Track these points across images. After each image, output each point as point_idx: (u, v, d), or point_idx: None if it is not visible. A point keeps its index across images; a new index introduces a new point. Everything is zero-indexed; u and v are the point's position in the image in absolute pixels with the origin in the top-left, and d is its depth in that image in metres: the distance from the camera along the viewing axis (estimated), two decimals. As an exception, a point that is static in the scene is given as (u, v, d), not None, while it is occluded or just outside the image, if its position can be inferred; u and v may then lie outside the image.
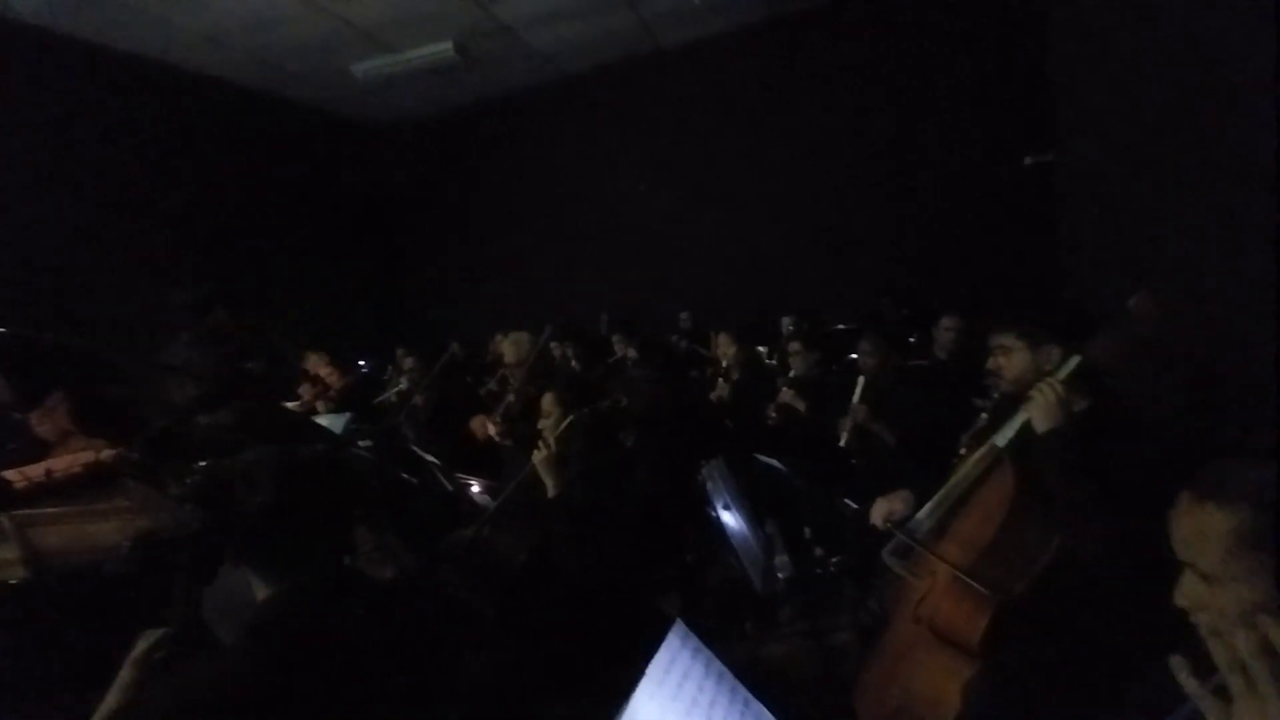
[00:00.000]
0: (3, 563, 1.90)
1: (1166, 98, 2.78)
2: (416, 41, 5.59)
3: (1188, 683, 0.65)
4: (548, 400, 2.09)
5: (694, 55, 6.50)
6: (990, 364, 1.80)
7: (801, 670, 2.47)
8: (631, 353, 4.29)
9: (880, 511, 1.86)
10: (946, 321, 3.73)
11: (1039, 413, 1.54)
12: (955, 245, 5.78)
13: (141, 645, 1.07)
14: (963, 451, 2.46)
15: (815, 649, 2.49)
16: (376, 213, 8.00)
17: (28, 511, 2.20)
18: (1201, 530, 0.80)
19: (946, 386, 3.26)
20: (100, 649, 1.66)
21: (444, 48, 5.61)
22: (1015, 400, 1.76)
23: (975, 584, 1.55)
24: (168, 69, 5.68)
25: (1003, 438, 1.66)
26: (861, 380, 2.83)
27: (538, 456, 1.90)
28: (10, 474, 2.66)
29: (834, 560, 2.62)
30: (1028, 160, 5.41)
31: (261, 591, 1.04)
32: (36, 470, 2.68)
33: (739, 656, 2.59)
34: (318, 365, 4.17)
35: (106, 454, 2.84)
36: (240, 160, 6.36)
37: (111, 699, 1.05)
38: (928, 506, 1.73)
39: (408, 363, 3.73)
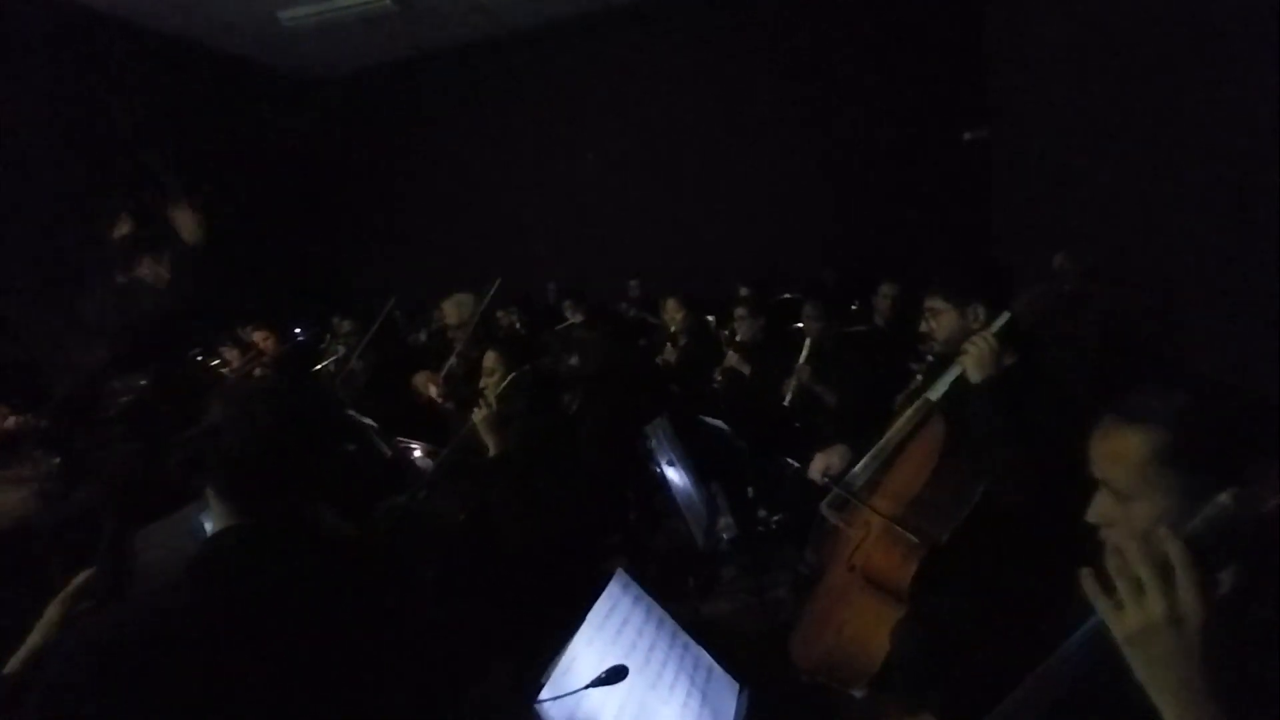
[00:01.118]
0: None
1: (1099, 74, 2.90)
2: (350, -12, 5.27)
3: (1090, 588, 0.69)
4: (489, 358, 2.04)
5: (644, 16, 6.36)
6: (922, 327, 1.84)
7: (743, 625, 2.54)
8: (578, 318, 4.25)
9: (818, 466, 1.91)
10: (884, 289, 3.86)
11: (973, 364, 1.60)
12: (896, 217, 5.92)
13: (71, 585, 1.00)
14: (897, 410, 2.53)
15: (756, 605, 2.57)
16: (309, 173, 7.58)
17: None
18: (1119, 451, 0.85)
19: (884, 350, 3.37)
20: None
21: (380, -4, 5.31)
22: (947, 360, 1.83)
23: (906, 532, 1.61)
24: (82, 12, 5.18)
25: (936, 391, 1.71)
26: (808, 343, 2.89)
27: (478, 415, 1.86)
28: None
29: (775, 519, 2.69)
30: (966, 135, 5.59)
31: (218, 522, 0.98)
32: (-77, 439, 2.48)
33: (683, 614, 2.65)
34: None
35: (10, 421, 2.65)
36: (159, 112, 5.90)
37: (34, 636, 0.98)
38: (864, 460, 1.78)
39: (345, 325, 3.58)
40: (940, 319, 1.78)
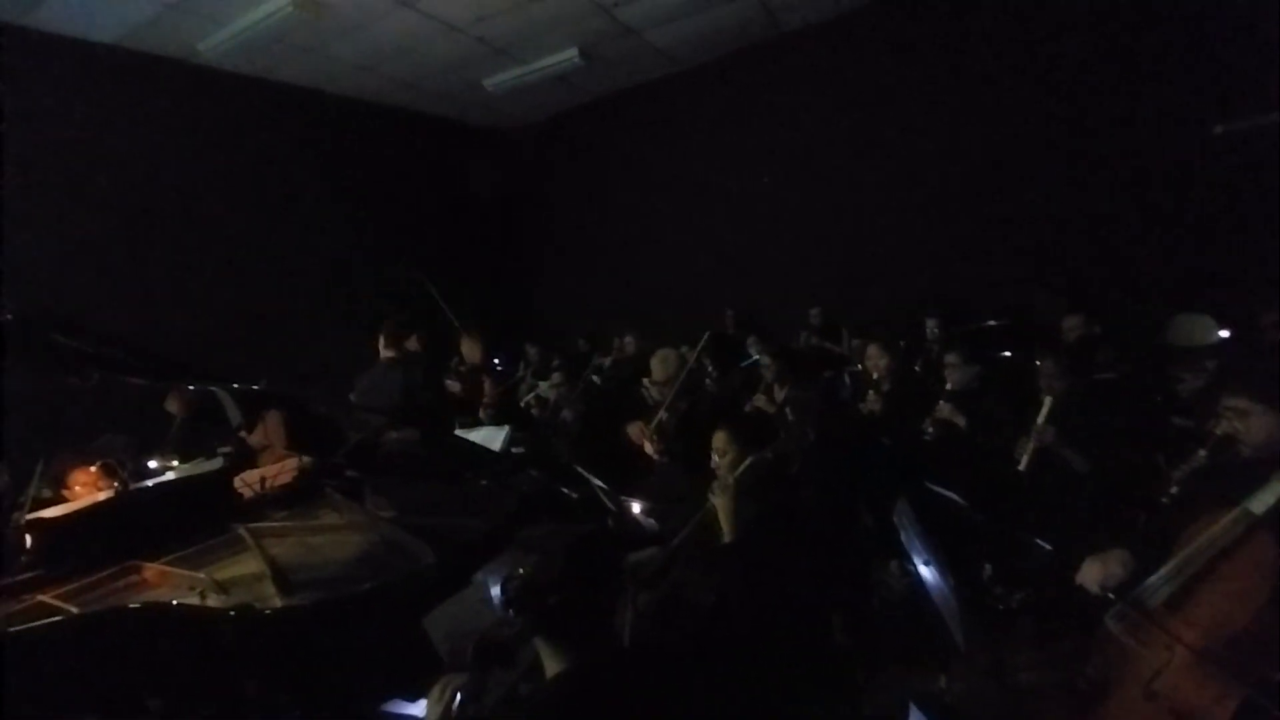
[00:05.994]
0: (251, 578, 2.19)
1: None
2: (545, 52, 5.73)
3: None
4: (720, 439, 2.07)
5: (818, 37, 6.15)
6: (1224, 428, 1.63)
7: (983, 710, 2.36)
8: (766, 360, 4.22)
9: (1094, 575, 1.71)
10: (1069, 322, 3.68)
11: None
12: (1119, 228, 5.10)
13: (443, 692, 1.18)
14: (1174, 490, 2.23)
15: (996, 688, 2.38)
16: (503, 211, 8.33)
17: (256, 525, 2.54)
18: None
19: (1135, 401, 2.97)
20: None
21: (570, 55, 5.72)
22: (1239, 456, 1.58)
23: (1225, 670, 1.40)
24: (323, 97, 6.21)
25: (1259, 503, 1.48)
26: (1048, 401, 2.62)
27: (720, 499, 1.90)
28: (235, 481, 3.07)
29: (1017, 596, 2.47)
30: (1218, 129, 4.67)
31: (552, 664, 1.14)
32: (253, 477, 3.08)
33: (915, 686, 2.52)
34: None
35: (309, 461, 3.21)
36: (385, 174, 6.87)
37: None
38: (1162, 573, 1.58)
39: (555, 378, 3.90)
40: (1249, 422, 1.56)
